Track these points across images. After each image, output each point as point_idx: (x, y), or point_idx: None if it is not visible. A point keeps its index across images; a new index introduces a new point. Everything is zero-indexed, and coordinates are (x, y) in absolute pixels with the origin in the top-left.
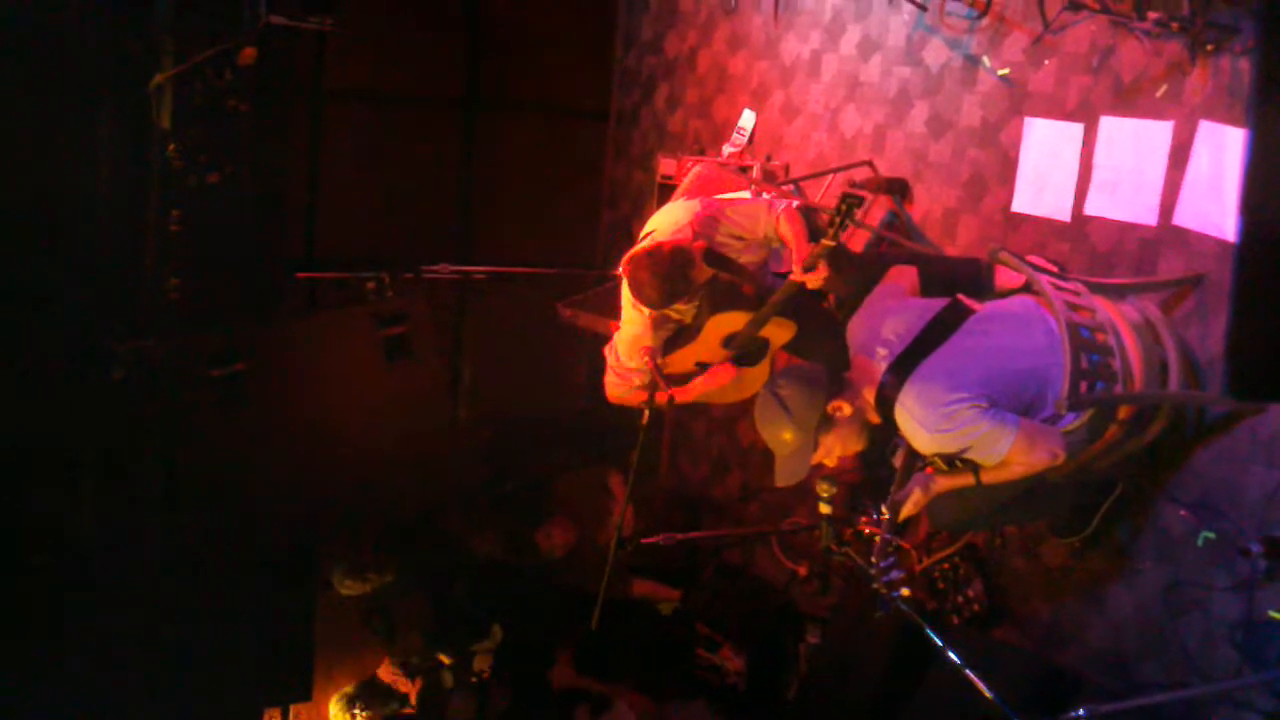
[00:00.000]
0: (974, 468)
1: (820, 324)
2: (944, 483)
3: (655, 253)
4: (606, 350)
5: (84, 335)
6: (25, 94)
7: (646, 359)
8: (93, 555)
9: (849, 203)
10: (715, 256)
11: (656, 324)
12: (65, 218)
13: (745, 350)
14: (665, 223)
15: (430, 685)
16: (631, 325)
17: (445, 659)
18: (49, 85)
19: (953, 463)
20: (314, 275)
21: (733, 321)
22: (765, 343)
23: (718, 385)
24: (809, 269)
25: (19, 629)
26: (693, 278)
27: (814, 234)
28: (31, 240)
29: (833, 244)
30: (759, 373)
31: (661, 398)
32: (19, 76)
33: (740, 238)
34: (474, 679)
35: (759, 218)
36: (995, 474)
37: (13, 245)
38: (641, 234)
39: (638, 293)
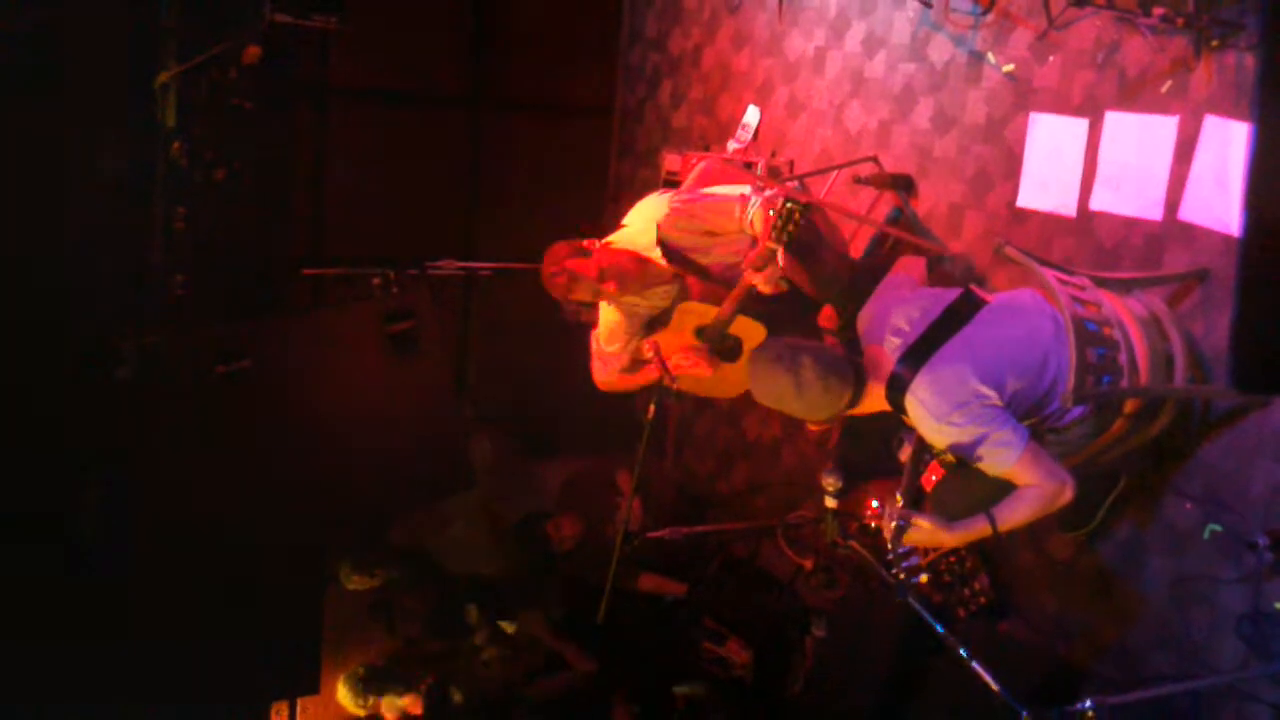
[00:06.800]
0: (992, 519)
1: (793, 329)
2: (958, 535)
3: (546, 261)
4: (591, 336)
5: (90, 332)
6: (31, 92)
7: (651, 352)
8: (98, 551)
9: (790, 208)
10: (676, 255)
11: (628, 312)
12: (71, 215)
13: (718, 346)
14: (638, 218)
15: (440, 677)
16: (606, 312)
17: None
18: (55, 84)
19: (961, 459)
20: (319, 272)
21: (702, 313)
22: (739, 341)
23: (697, 371)
24: (758, 269)
25: (26, 623)
26: (575, 293)
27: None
28: (37, 237)
29: (775, 246)
30: (739, 369)
31: (655, 371)
32: (25, 75)
33: (713, 233)
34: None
35: (731, 212)
36: (1010, 516)
37: (19, 242)
38: (620, 224)
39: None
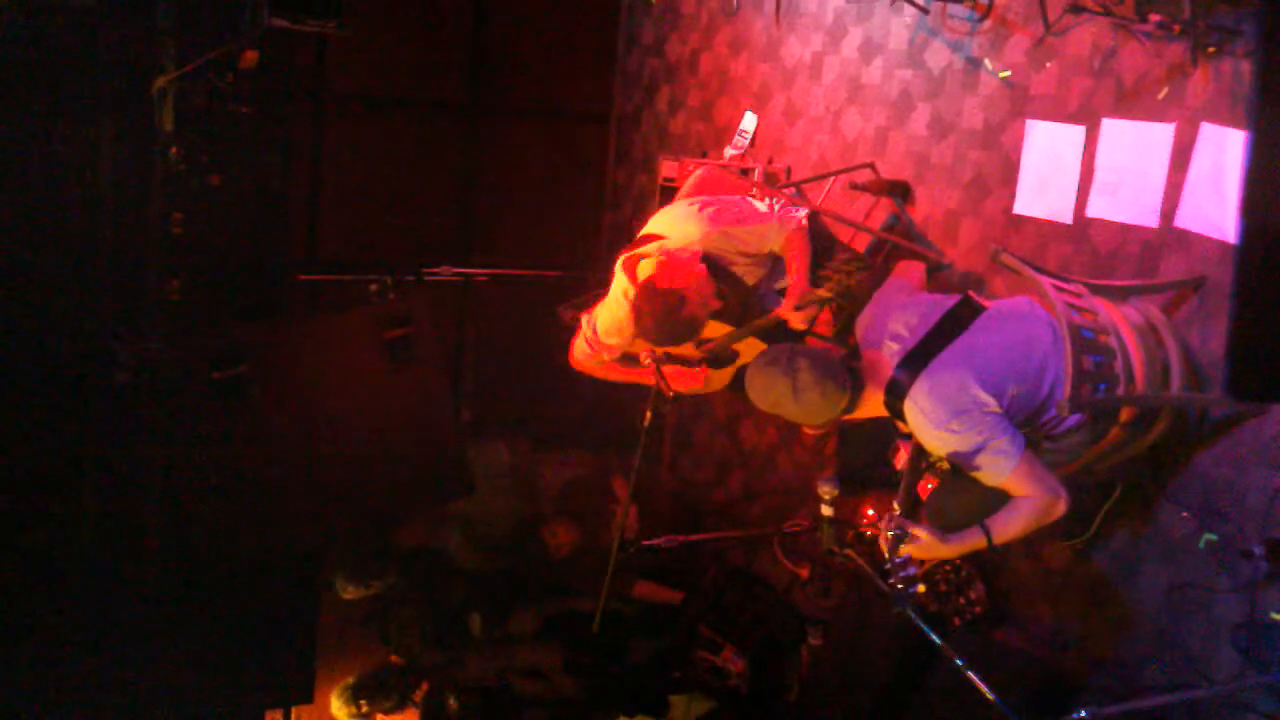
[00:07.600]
0: (987, 531)
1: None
2: (954, 547)
3: (664, 296)
4: (584, 317)
5: (86, 337)
6: (28, 97)
7: (650, 360)
8: (94, 558)
9: (854, 264)
10: (720, 270)
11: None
12: (68, 220)
13: (716, 357)
14: (674, 233)
15: (436, 687)
16: (616, 309)
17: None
18: (52, 89)
19: (958, 467)
20: (316, 277)
21: (711, 330)
22: (735, 354)
23: (688, 386)
24: (800, 308)
25: (21, 631)
26: (696, 326)
27: (816, 257)
28: (34, 242)
29: (829, 296)
30: (724, 375)
31: (643, 376)
32: (22, 79)
33: (748, 255)
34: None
35: (768, 237)
36: (1005, 529)
37: (15, 247)
38: (643, 233)
39: (638, 327)
